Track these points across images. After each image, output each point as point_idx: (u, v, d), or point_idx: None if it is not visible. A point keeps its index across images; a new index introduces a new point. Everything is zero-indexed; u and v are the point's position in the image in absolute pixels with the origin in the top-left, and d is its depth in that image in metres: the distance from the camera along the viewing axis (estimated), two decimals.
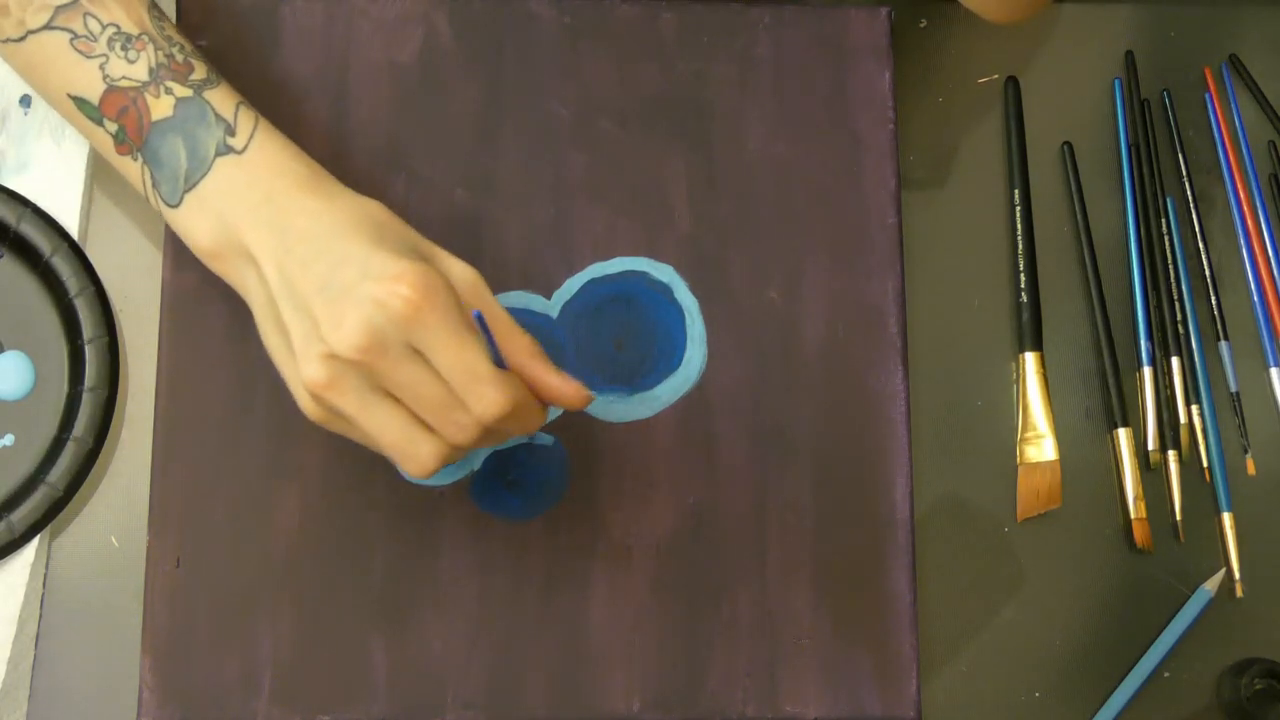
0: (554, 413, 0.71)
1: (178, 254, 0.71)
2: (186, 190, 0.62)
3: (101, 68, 0.62)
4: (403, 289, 0.56)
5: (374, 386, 0.58)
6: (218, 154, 0.62)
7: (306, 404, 0.60)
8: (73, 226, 0.72)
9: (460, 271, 0.61)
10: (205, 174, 0.62)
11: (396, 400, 0.58)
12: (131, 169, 0.64)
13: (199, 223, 0.62)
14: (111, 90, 0.62)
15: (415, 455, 0.59)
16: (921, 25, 0.79)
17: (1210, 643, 0.72)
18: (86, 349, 0.70)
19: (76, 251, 0.71)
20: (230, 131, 0.62)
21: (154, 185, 0.63)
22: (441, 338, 0.57)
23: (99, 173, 0.73)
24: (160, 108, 0.62)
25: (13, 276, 0.71)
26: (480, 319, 0.57)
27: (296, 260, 0.59)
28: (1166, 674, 0.72)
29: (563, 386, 0.61)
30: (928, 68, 0.78)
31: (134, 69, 0.62)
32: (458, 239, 0.72)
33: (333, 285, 0.58)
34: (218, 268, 0.63)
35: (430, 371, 0.57)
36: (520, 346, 0.60)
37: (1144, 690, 0.71)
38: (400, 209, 0.71)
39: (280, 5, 0.74)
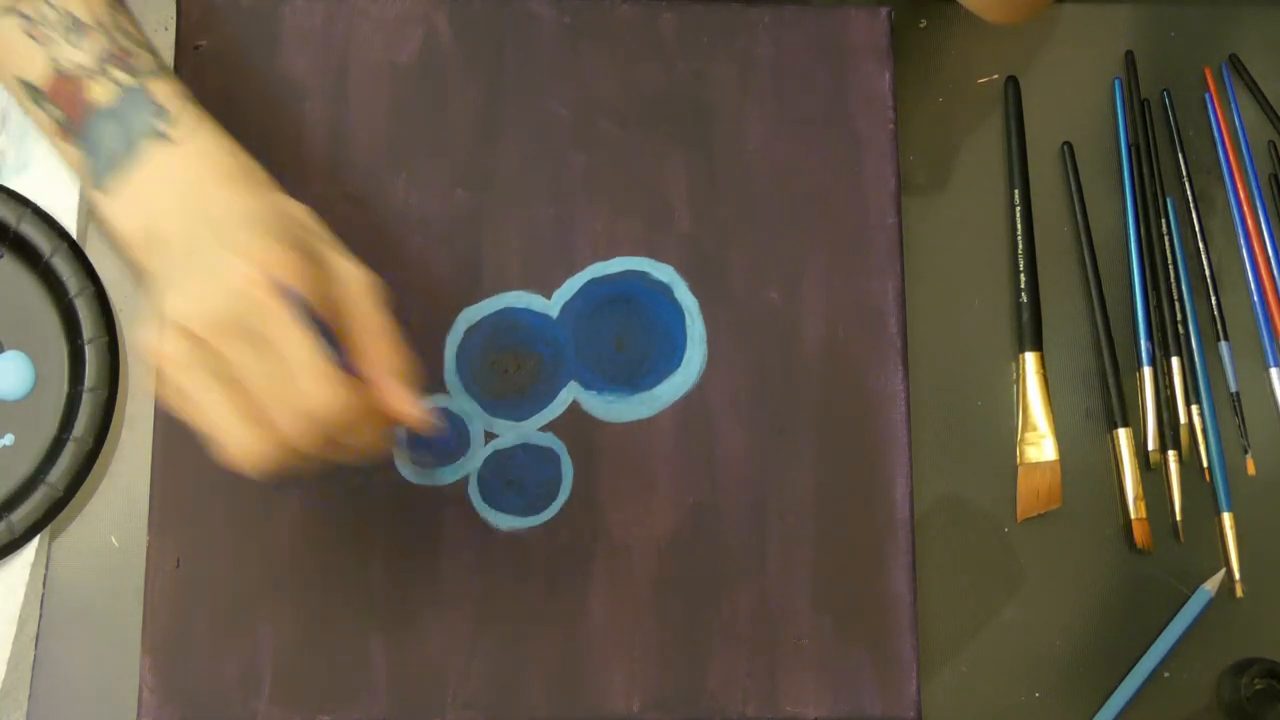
0: (554, 413, 0.71)
1: None
2: (118, 176, 0.62)
3: (51, 54, 0.63)
4: (257, 272, 0.56)
5: (216, 370, 0.57)
6: (150, 142, 0.61)
7: (156, 384, 0.59)
8: (73, 226, 0.72)
9: (351, 273, 0.60)
10: (136, 163, 0.61)
11: (236, 386, 0.57)
12: (71, 154, 0.64)
13: (123, 207, 0.61)
14: (59, 76, 0.63)
15: (238, 437, 0.57)
16: (921, 25, 0.79)
17: (1210, 643, 0.72)
18: (86, 349, 0.70)
19: (76, 251, 0.71)
20: (167, 121, 0.62)
21: (88, 170, 0.63)
22: (287, 328, 0.56)
23: None
24: (102, 95, 0.62)
25: (13, 276, 0.71)
26: (300, 303, 0.56)
27: (189, 237, 0.59)
28: (1166, 674, 0.72)
29: (395, 399, 0.59)
30: (928, 68, 0.78)
31: (81, 55, 0.62)
32: (458, 239, 0.72)
33: (201, 253, 0.57)
34: (136, 256, 0.62)
35: (273, 358, 0.57)
36: (378, 356, 0.59)
37: (1144, 690, 0.71)
38: (400, 209, 0.72)
39: (280, 5, 0.74)
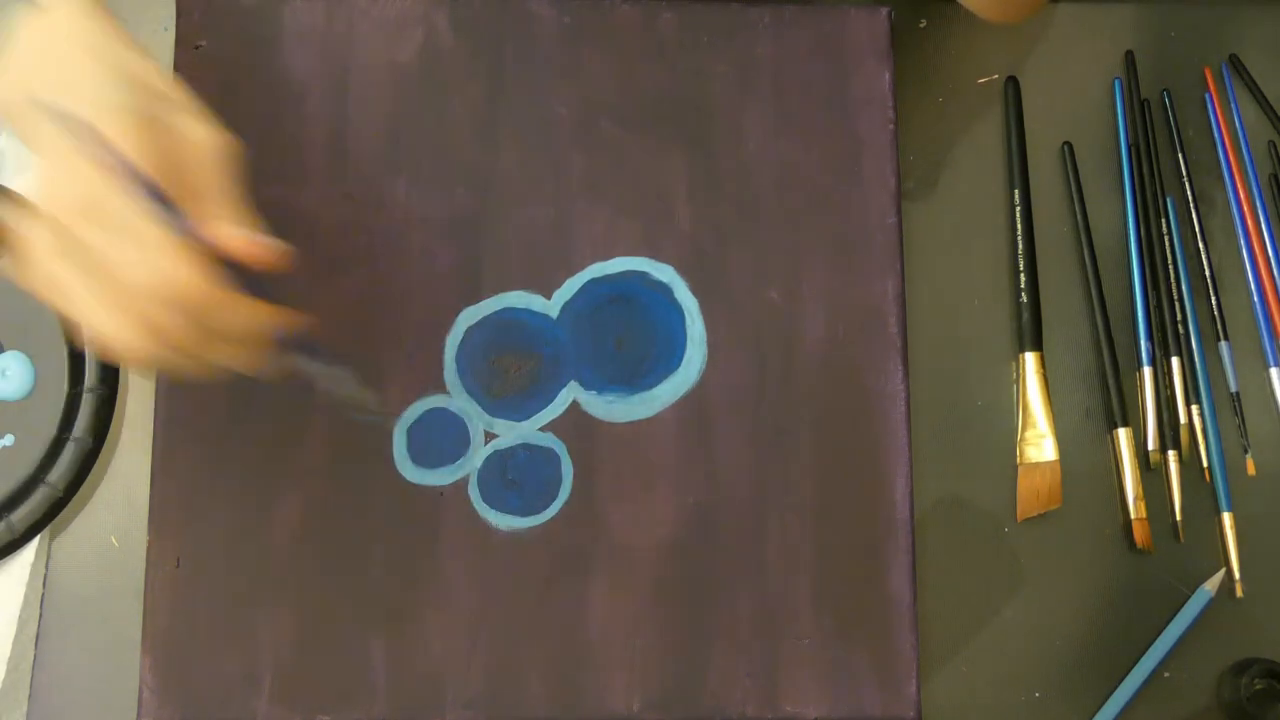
0: (554, 413, 0.71)
1: None
2: None
3: None
4: (90, 149, 0.55)
5: (77, 254, 0.56)
6: (23, 11, 0.60)
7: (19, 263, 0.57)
8: None
9: (197, 133, 0.59)
10: (10, 33, 0.60)
11: (96, 272, 0.56)
12: None
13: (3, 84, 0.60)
14: None
15: (107, 325, 0.56)
16: (921, 25, 0.79)
17: (1210, 643, 0.72)
18: (86, 349, 0.70)
19: None
20: None
21: None
22: (130, 205, 0.55)
23: None
24: None
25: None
26: (142, 180, 0.55)
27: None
28: (1166, 674, 0.72)
29: (229, 236, 0.57)
30: (928, 68, 0.78)
31: None
32: (458, 239, 0.72)
33: (47, 138, 0.56)
34: (16, 130, 0.61)
35: (122, 238, 0.55)
36: (214, 213, 0.58)
37: (1144, 690, 0.71)
38: (400, 209, 0.72)
39: (280, 5, 0.74)
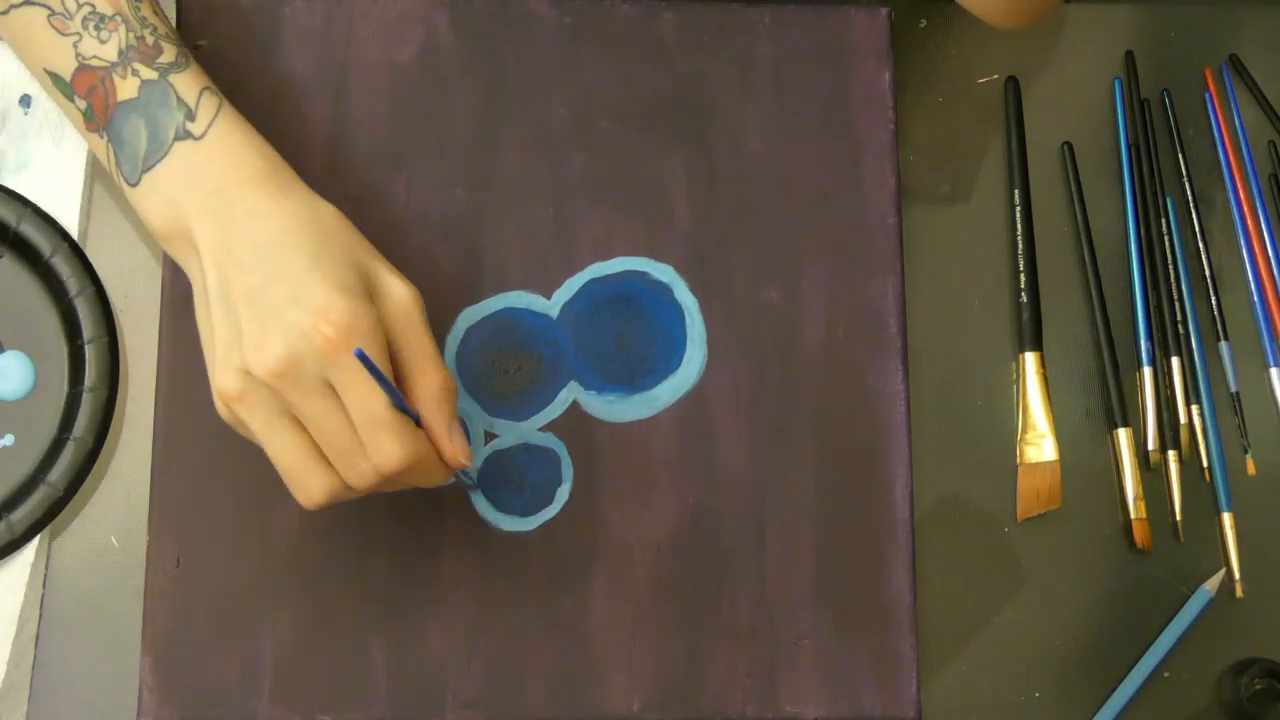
0: (554, 413, 0.71)
1: None
2: (144, 171, 0.62)
3: (75, 46, 0.63)
4: (325, 326, 0.57)
5: (282, 410, 0.58)
6: (176, 139, 0.62)
7: (219, 406, 0.60)
8: (73, 226, 0.72)
9: (398, 294, 0.61)
10: (162, 157, 0.62)
11: (301, 428, 0.59)
12: (99, 145, 0.64)
13: (153, 205, 0.62)
14: (82, 69, 0.63)
15: (305, 484, 0.60)
16: (921, 25, 0.79)
17: (1210, 643, 0.72)
18: (86, 349, 0.70)
19: (76, 251, 0.71)
20: (190, 116, 0.62)
21: (117, 164, 0.63)
22: (354, 379, 0.57)
23: (99, 173, 0.73)
24: (126, 89, 0.63)
25: (13, 276, 0.71)
26: (369, 365, 0.56)
27: (235, 263, 0.59)
28: (1166, 674, 0.72)
29: (445, 445, 0.61)
30: (928, 68, 0.78)
31: (104, 49, 0.63)
32: (458, 239, 0.72)
33: (262, 301, 0.58)
34: (168, 249, 0.64)
35: (338, 409, 0.58)
36: (429, 385, 0.60)
37: (1144, 690, 0.71)
38: (400, 209, 0.72)
39: (280, 5, 0.74)
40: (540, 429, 0.71)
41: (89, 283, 0.70)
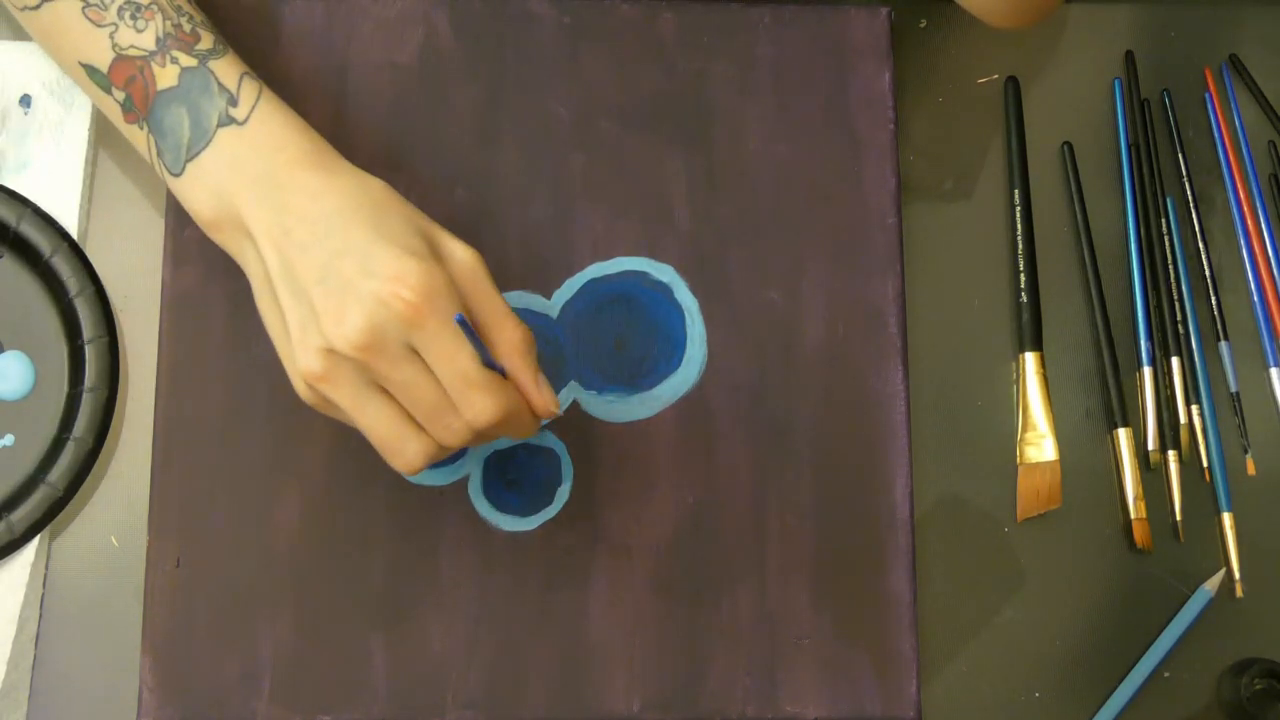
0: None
1: (178, 254, 0.71)
2: (188, 160, 0.62)
3: (111, 36, 0.63)
4: (404, 291, 0.56)
5: (369, 382, 0.58)
6: (219, 125, 0.62)
7: (301, 389, 0.60)
8: (73, 226, 0.72)
9: (461, 256, 0.61)
10: (206, 145, 0.62)
11: (390, 397, 0.59)
12: (139, 137, 0.64)
13: (199, 193, 0.62)
14: (120, 59, 0.63)
15: (403, 452, 0.59)
16: (921, 25, 0.79)
17: (1210, 643, 0.72)
18: (86, 349, 0.70)
19: (76, 251, 0.71)
20: (233, 102, 0.62)
21: (158, 154, 0.63)
22: (439, 341, 0.57)
23: (99, 173, 0.73)
24: (165, 77, 0.62)
25: (13, 276, 0.71)
26: (463, 322, 0.57)
27: (295, 244, 0.59)
28: (1166, 674, 0.72)
29: (534, 394, 0.61)
30: (928, 68, 0.78)
31: (142, 38, 0.63)
32: (458, 239, 0.72)
33: (332, 277, 0.58)
34: (218, 238, 0.63)
35: (426, 372, 0.58)
36: (509, 340, 0.60)
37: (1144, 690, 0.71)
38: None
39: (280, 5, 0.74)
40: (540, 429, 0.71)
41: (89, 283, 0.70)
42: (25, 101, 0.73)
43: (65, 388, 0.70)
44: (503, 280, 0.72)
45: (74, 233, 0.71)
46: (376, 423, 0.59)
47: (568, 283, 0.72)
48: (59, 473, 0.68)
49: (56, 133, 0.73)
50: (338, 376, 0.58)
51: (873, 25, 0.76)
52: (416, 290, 0.57)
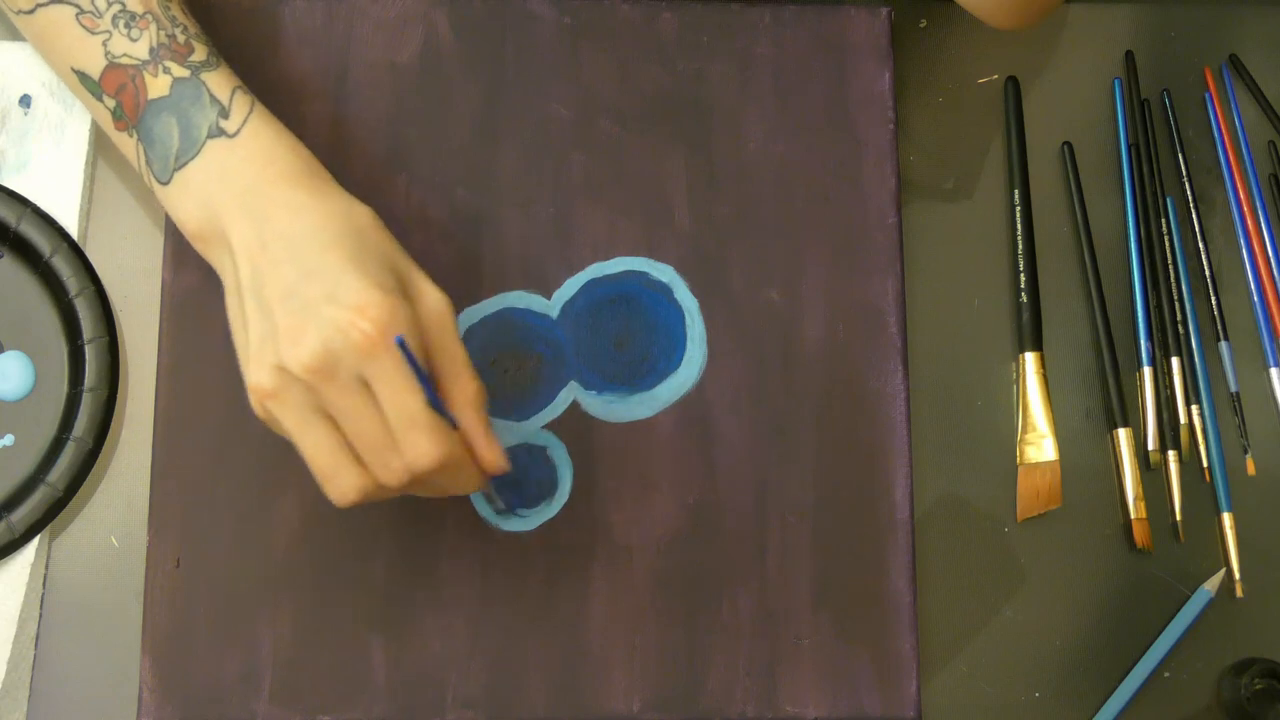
0: (554, 413, 0.71)
1: (178, 254, 0.71)
2: (176, 169, 0.62)
3: (104, 44, 0.63)
4: (363, 322, 0.56)
5: (316, 407, 0.58)
6: (209, 136, 0.62)
7: (254, 403, 0.60)
8: (73, 226, 0.72)
9: (432, 300, 0.60)
10: (195, 155, 0.62)
11: (335, 425, 0.58)
12: (128, 145, 0.64)
13: (185, 203, 0.62)
14: (112, 67, 0.63)
15: (338, 483, 0.59)
16: (921, 25, 0.79)
17: (1210, 643, 0.72)
18: (86, 349, 0.70)
19: (76, 251, 0.71)
20: (224, 114, 0.62)
21: (147, 163, 0.63)
22: (389, 377, 0.57)
23: (99, 173, 0.73)
24: (157, 87, 0.62)
25: (13, 276, 0.71)
26: (410, 357, 0.56)
27: (269, 259, 0.59)
28: (1166, 674, 0.72)
29: (483, 449, 0.61)
30: (928, 68, 0.78)
31: (135, 47, 0.63)
32: (458, 239, 0.72)
33: (297, 296, 0.57)
34: (200, 249, 0.64)
35: (373, 406, 0.57)
36: (463, 390, 0.60)
37: (1144, 690, 0.71)
38: (400, 209, 0.72)
39: (280, 5, 0.74)
40: (540, 429, 0.71)
41: (89, 283, 0.70)
42: (25, 101, 0.73)
43: (65, 388, 0.70)
44: (503, 280, 0.72)
45: (74, 233, 0.71)
46: (317, 449, 0.58)
47: (568, 283, 0.72)
48: (59, 473, 0.68)
49: (56, 133, 0.73)
50: (286, 396, 0.58)
51: (873, 25, 0.76)
52: (375, 323, 0.56)
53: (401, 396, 0.57)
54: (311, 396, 0.58)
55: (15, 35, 0.73)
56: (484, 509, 0.70)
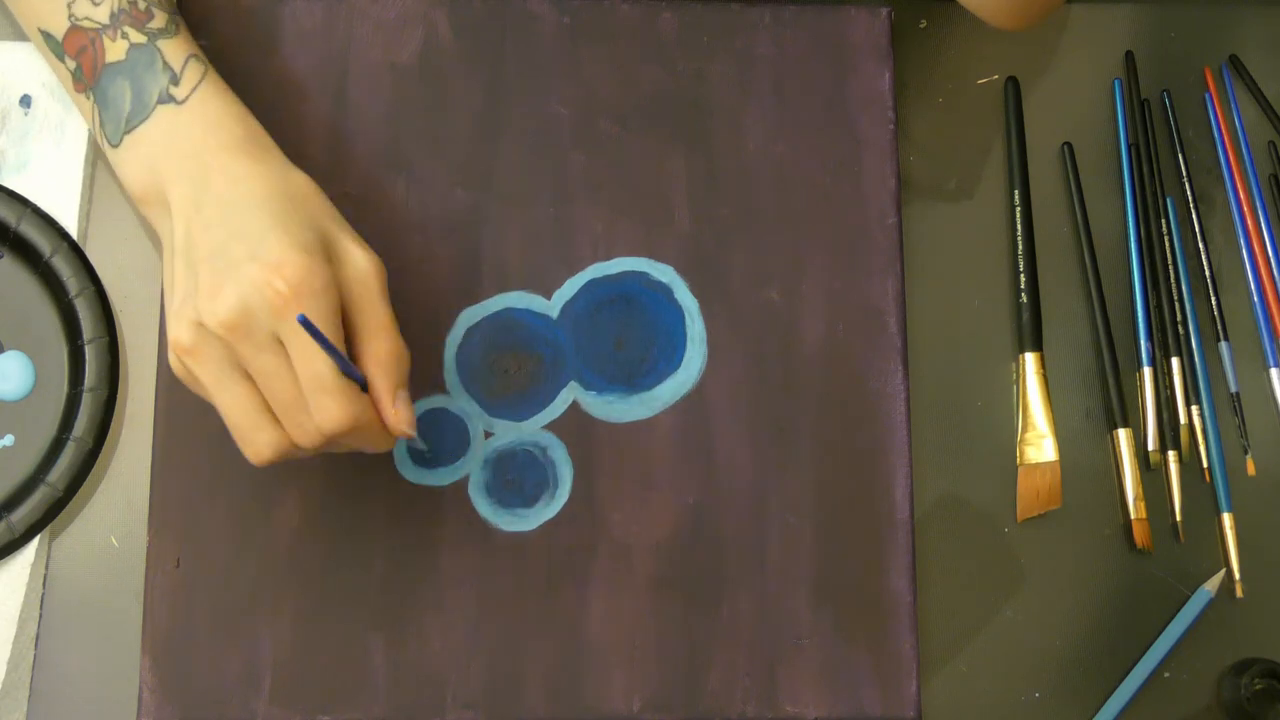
0: (554, 413, 0.71)
1: None
2: (126, 132, 0.63)
3: (69, 6, 0.64)
4: (278, 281, 0.57)
5: (234, 364, 0.59)
6: (159, 102, 0.63)
7: (172, 360, 0.61)
8: (72, 226, 0.72)
9: (358, 262, 0.61)
10: (144, 119, 0.63)
11: (252, 384, 0.59)
12: (85, 106, 0.66)
13: (131, 165, 0.63)
14: (74, 29, 0.64)
15: (254, 440, 0.60)
16: (921, 25, 0.79)
17: (1210, 643, 0.72)
18: (86, 349, 0.70)
19: (76, 251, 0.71)
20: (175, 81, 0.63)
21: (101, 125, 0.64)
22: (301, 339, 0.58)
23: (99, 173, 0.73)
24: (115, 51, 0.64)
25: (13, 276, 0.71)
26: (312, 329, 0.56)
27: (202, 221, 0.60)
28: (1166, 674, 0.72)
29: (388, 411, 0.61)
30: (928, 68, 0.78)
31: (97, 11, 0.64)
32: (458, 239, 0.72)
33: (222, 256, 0.59)
34: (143, 211, 0.65)
35: (287, 366, 0.58)
36: (376, 351, 0.61)
37: (1144, 690, 0.71)
38: (400, 209, 0.72)
39: (280, 5, 0.74)
40: (540, 429, 0.71)
41: (89, 283, 0.70)
42: (25, 101, 0.73)
43: (65, 388, 0.70)
44: (503, 280, 0.72)
45: (74, 233, 0.71)
46: (233, 406, 0.59)
47: (568, 283, 0.72)
48: (59, 473, 0.68)
49: (56, 133, 0.73)
50: (203, 352, 0.59)
51: (873, 25, 0.76)
52: (290, 282, 0.57)
53: (310, 359, 0.58)
54: (228, 353, 0.59)
55: (16, 35, 0.73)
56: (484, 509, 0.70)
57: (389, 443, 0.62)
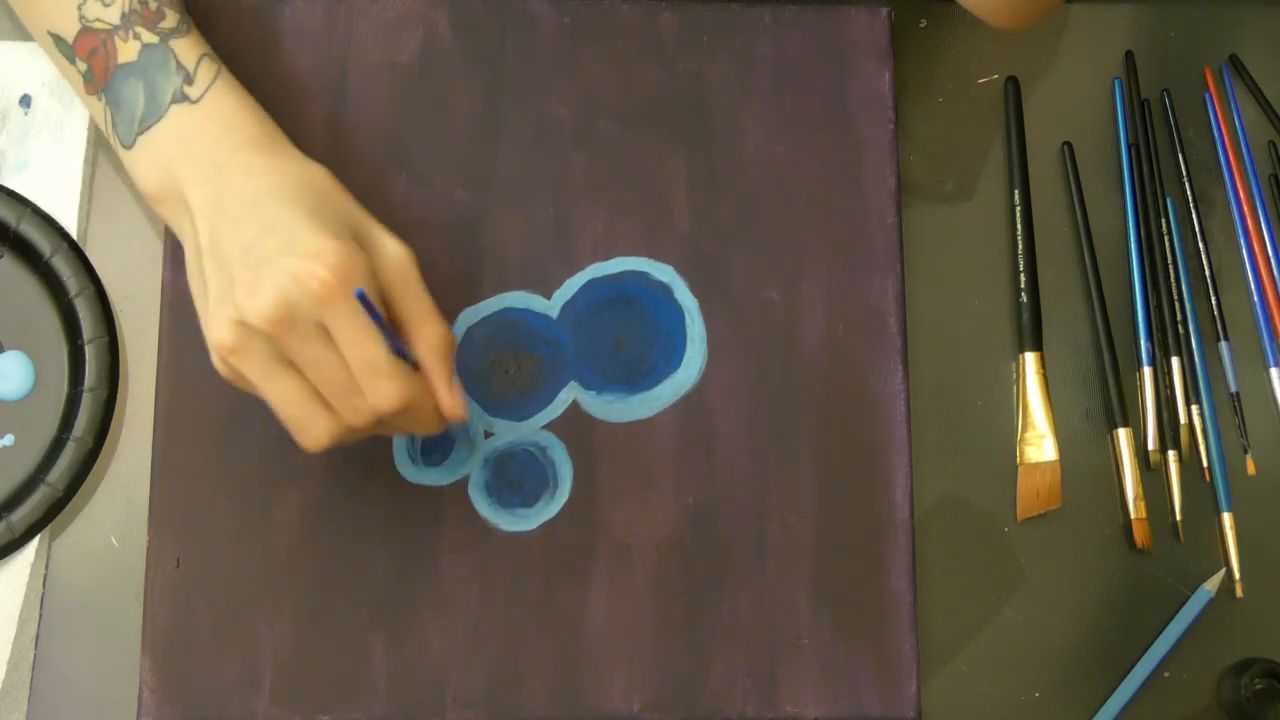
0: (554, 413, 0.71)
1: (178, 254, 0.71)
2: (140, 133, 0.63)
3: (79, 8, 0.64)
4: (320, 269, 0.57)
5: (279, 357, 0.59)
6: (173, 101, 0.63)
7: (216, 361, 0.61)
8: (73, 226, 0.72)
9: (392, 251, 0.61)
10: (158, 120, 0.63)
11: (300, 374, 0.59)
12: (96, 108, 0.65)
13: (146, 166, 0.63)
14: (85, 31, 0.64)
15: (309, 429, 0.60)
16: (921, 25, 0.79)
17: (1210, 643, 0.72)
18: (86, 349, 0.70)
19: (76, 251, 0.71)
20: (189, 80, 0.63)
21: (113, 126, 0.64)
22: (349, 324, 0.58)
23: (99, 173, 0.73)
24: (127, 52, 0.64)
25: (13, 276, 0.71)
26: (369, 305, 0.57)
27: (227, 219, 0.60)
28: (1166, 674, 0.72)
29: (444, 394, 0.61)
30: (928, 68, 0.78)
31: (108, 12, 0.64)
32: (458, 239, 0.72)
33: (255, 251, 0.58)
34: (160, 211, 0.65)
35: (335, 352, 0.58)
36: (427, 336, 0.61)
37: (1144, 690, 0.71)
38: (400, 209, 0.72)
39: (280, 5, 0.74)
40: (540, 429, 0.71)
41: (89, 283, 0.70)
42: (25, 101, 0.73)
43: (65, 388, 0.70)
44: (503, 280, 0.72)
45: (74, 233, 0.71)
46: (285, 399, 0.59)
47: (568, 283, 0.72)
48: (59, 473, 0.68)
49: (56, 133, 0.73)
50: (248, 349, 0.58)
51: (873, 25, 0.76)
52: (333, 270, 0.57)
53: (361, 343, 0.58)
54: (273, 347, 0.58)
55: (16, 35, 0.73)
56: (484, 509, 0.70)
57: (439, 425, 0.62)
